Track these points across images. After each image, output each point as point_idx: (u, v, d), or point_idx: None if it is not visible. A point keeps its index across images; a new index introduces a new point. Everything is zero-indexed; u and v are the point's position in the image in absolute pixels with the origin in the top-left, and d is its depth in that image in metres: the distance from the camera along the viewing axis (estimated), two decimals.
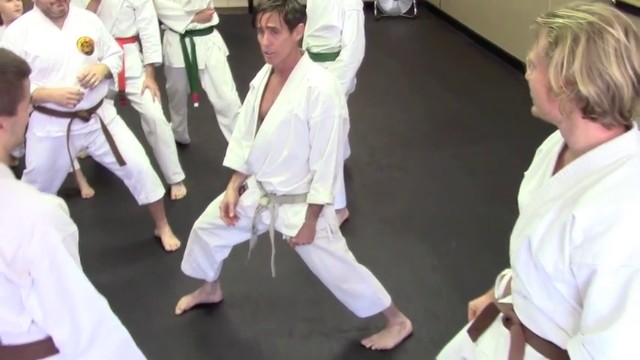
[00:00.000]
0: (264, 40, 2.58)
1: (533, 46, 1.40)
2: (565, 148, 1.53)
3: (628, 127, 1.40)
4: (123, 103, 4.15)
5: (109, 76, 3.46)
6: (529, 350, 1.61)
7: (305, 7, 2.69)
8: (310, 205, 2.73)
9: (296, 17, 2.58)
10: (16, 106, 1.51)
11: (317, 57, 3.65)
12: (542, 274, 1.46)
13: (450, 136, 5.42)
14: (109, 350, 1.63)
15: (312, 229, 2.77)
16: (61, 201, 1.56)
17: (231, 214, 2.89)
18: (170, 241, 3.85)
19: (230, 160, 2.95)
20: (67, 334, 1.54)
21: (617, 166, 1.36)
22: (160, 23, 4.36)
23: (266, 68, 2.81)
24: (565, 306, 1.46)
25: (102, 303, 1.62)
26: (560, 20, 1.34)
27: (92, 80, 3.27)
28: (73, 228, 1.55)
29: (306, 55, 2.71)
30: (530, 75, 1.44)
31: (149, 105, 4.15)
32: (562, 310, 1.48)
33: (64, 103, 3.23)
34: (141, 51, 4.29)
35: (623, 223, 1.30)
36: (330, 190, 2.69)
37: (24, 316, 1.53)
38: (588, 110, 1.35)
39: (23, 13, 3.97)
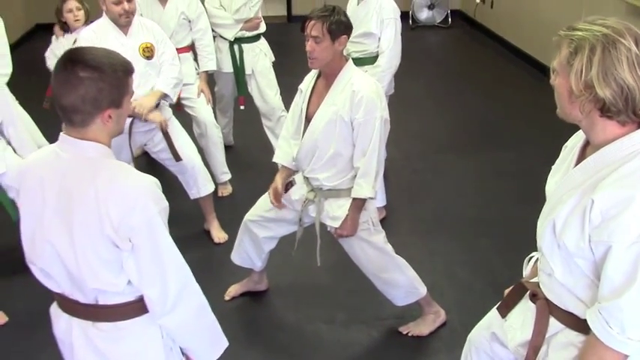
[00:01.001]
0: (307, 46, 2.86)
1: (556, 55, 1.63)
2: (586, 143, 1.75)
3: None
4: (178, 108, 4.40)
5: (162, 97, 3.71)
6: (552, 321, 1.83)
7: (350, 21, 2.94)
8: (354, 199, 2.97)
9: (340, 29, 2.83)
10: (122, 100, 1.78)
11: (355, 61, 3.84)
12: (564, 252, 1.68)
13: (482, 141, 5.63)
14: (190, 311, 1.89)
15: (356, 222, 3.01)
16: (156, 180, 1.83)
17: (279, 198, 3.13)
18: (219, 234, 4.13)
19: (278, 157, 3.21)
20: (157, 294, 1.79)
21: (630, 158, 1.58)
22: (212, 30, 4.66)
23: (313, 73, 3.06)
24: (585, 280, 1.68)
25: (187, 269, 1.88)
26: (579, 33, 1.57)
27: (140, 112, 3.57)
28: (166, 203, 1.81)
29: (350, 62, 2.95)
30: (554, 81, 1.67)
31: (202, 109, 4.46)
32: (582, 285, 1.69)
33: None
34: (194, 59, 4.60)
35: (635, 206, 1.52)
36: (372, 185, 2.92)
37: (121, 277, 1.79)
38: (605, 110, 1.57)
39: (86, 22, 4.33)
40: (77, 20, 4.48)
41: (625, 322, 1.56)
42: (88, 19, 4.45)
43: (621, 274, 1.55)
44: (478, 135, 5.77)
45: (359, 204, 2.98)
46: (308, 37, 2.84)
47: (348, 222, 3.00)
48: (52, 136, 3.12)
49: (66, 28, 4.56)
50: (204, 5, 4.61)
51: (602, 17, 1.61)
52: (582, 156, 1.74)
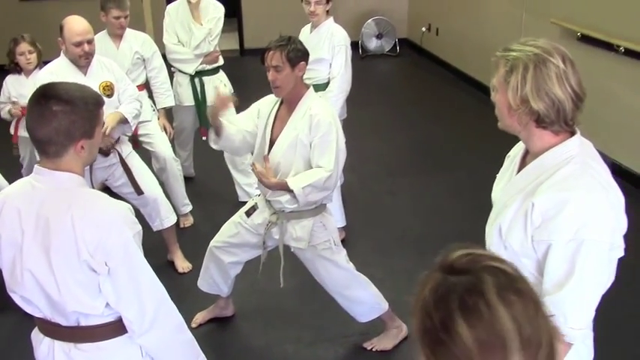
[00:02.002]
0: (270, 75, 2.99)
1: (494, 73, 1.81)
2: (526, 152, 1.93)
3: (573, 133, 1.80)
4: (136, 145, 4.40)
5: (123, 121, 3.77)
6: None
7: (306, 48, 3.09)
8: (286, 182, 3.00)
9: (298, 56, 2.99)
10: (94, 131, 1.87)
11: None
12: (511, 252, 1.83)
13: (434, 162, 5.84)
14: (167, 330, 1.97)
15: (275, 185, 3.03)
16: (129, 206, 1.93)
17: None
18: (182, 264, 4.20)
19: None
20: (134, 314, 1.88)
21: (564, 164, 1.76)
22: (169, 66, 4.77)
23: (275, 98, 3.16)
24: (530, 279, 1.83)
25: (162, 289, 1.97)
26: (513, 53, 1.75)
27: (104, 128, 3.59)
28: (140, 227, 1.91)
29: (311, 89, 3.11)
30: (495, 97, 1.85)
31: (160, 144, 4.53)
32: None
33: None
34: (150, 97, 4.69)
35: (569, 207, 1.68)
36: (303, 186, 2.96)
37: (99, 299, 1.87)
38: (540, 121, 1.75)
39: (39, 65, 4.39)
40: (29, 63, 4.53)
41: (567, 313, 1.71)
42: (40, 62, 4.50)
43: (561, 269, 1.70)
44: (429, 156, 5.99)
45: (283, 185, 3.00)
46: (269, 67, 2.98)
47: (272, 180, 3.02)
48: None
49: (18, 70, 4.61)
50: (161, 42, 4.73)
51: (533, 39, 1.79)
52: (523, 164, 1.91)
